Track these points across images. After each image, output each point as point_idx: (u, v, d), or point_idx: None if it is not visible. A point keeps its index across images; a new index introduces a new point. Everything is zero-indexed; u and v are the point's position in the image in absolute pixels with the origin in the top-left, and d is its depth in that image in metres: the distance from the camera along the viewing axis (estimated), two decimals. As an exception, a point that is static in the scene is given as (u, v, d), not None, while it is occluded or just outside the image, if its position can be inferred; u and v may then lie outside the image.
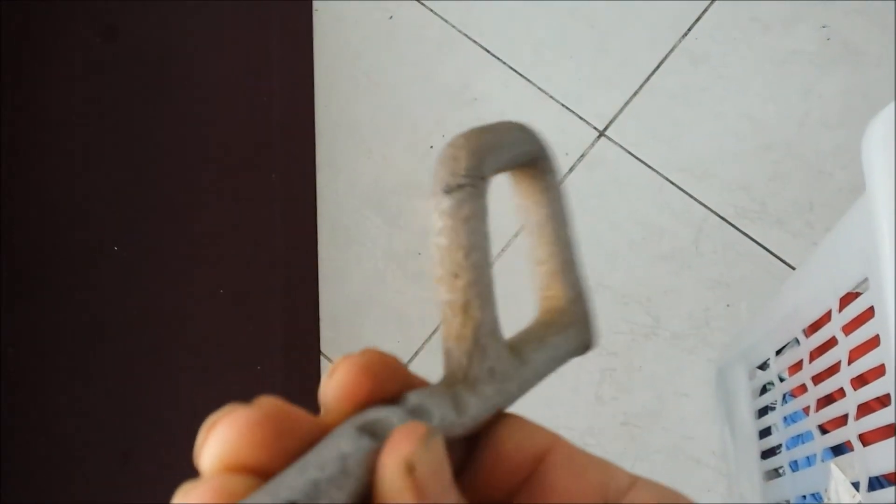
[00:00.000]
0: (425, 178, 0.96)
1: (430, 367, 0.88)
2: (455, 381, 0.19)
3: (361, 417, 0.16)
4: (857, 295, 0.52)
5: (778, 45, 0.99)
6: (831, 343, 0.58)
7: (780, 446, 0.74)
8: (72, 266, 0.89)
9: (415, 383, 0.18)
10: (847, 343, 0.55)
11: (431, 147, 0.98)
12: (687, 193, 0.94)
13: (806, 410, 0.65)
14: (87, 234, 0.91)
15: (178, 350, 0.87)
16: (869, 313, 0.50)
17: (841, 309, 0.55)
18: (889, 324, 0.43)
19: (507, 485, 0.19)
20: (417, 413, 0.17)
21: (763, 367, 0.79)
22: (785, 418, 0.72)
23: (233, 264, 0.91)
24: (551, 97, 0.99)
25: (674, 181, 0.95)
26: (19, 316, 0.86)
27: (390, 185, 0.97)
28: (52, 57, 0.97)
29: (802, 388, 0.65)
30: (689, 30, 1.00)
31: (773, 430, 0.76)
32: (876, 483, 0.56)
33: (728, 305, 0.90)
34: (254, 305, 0.89)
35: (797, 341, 0.66)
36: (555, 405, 0.88)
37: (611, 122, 0.98)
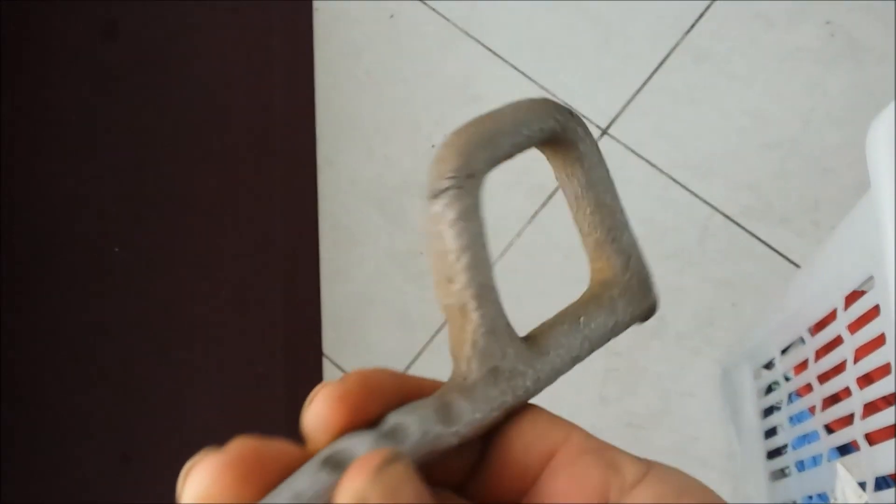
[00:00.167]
0: (427, 177, 0.95)
1: (433, 367, 0.88)
2: (454, 387, 0.18)
3: (329, 448, 0.16)
4: (863, 293, 0.51)
5: (782, 42, 0.98)
6: (837, 342, 0.57)
7: (786, 446, 0.73)
8: (72, 266, 0.89)
9: (412, 391, 0.18)
10: (853, 342, 0.54)
11: (433, 146, 0.98)
12: (691, 192, 0.93)
13: (812, 410, 0.65)
14: (87, 235, 0.90)
15: (178, 350, 0.87)
16: (874, 312, 0.49)
17: (846, 307, 0.54)
18: (893, 322, 0.42)
19: (515, 490, 0.19)
20: (392, 435, 0.17)
21: (769, 366, 0.78)
22: (791, 418, 0.71)
23: (233, 264, 0.91)
24: (553, 95, 0.98)
25: (678, 179, 0.94)
26: (19, 316, 0.86)
27: (392, 184, 0.97)
28: (52, 56, 0.96)
29: (808, 388, 0.65)
30: (692, 27, 1.00)
31: (778, 429, 0.76)
32: (882, 483, 0.56)
33: (733, 304, 0.90)
34: (255, 306, 0.89)
35: (802, 340, 0.65)
36: (558, 405, 0.86)
37: (613, 121, 0.97)
